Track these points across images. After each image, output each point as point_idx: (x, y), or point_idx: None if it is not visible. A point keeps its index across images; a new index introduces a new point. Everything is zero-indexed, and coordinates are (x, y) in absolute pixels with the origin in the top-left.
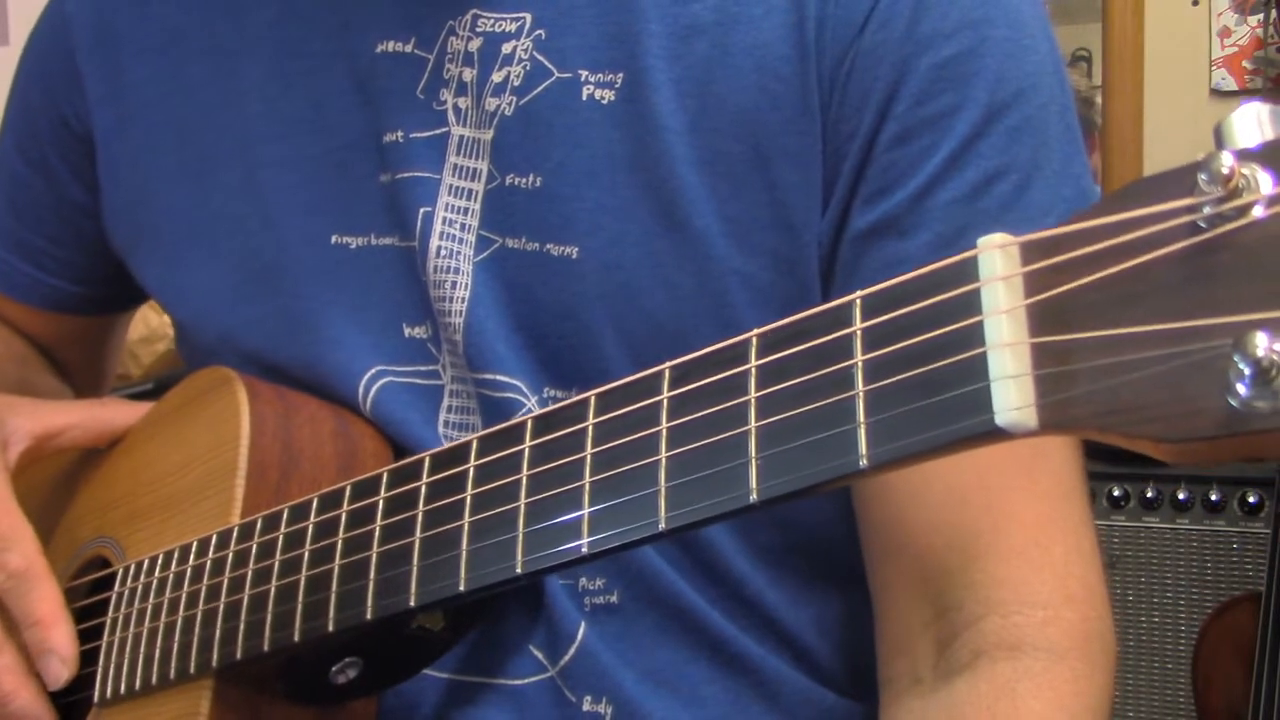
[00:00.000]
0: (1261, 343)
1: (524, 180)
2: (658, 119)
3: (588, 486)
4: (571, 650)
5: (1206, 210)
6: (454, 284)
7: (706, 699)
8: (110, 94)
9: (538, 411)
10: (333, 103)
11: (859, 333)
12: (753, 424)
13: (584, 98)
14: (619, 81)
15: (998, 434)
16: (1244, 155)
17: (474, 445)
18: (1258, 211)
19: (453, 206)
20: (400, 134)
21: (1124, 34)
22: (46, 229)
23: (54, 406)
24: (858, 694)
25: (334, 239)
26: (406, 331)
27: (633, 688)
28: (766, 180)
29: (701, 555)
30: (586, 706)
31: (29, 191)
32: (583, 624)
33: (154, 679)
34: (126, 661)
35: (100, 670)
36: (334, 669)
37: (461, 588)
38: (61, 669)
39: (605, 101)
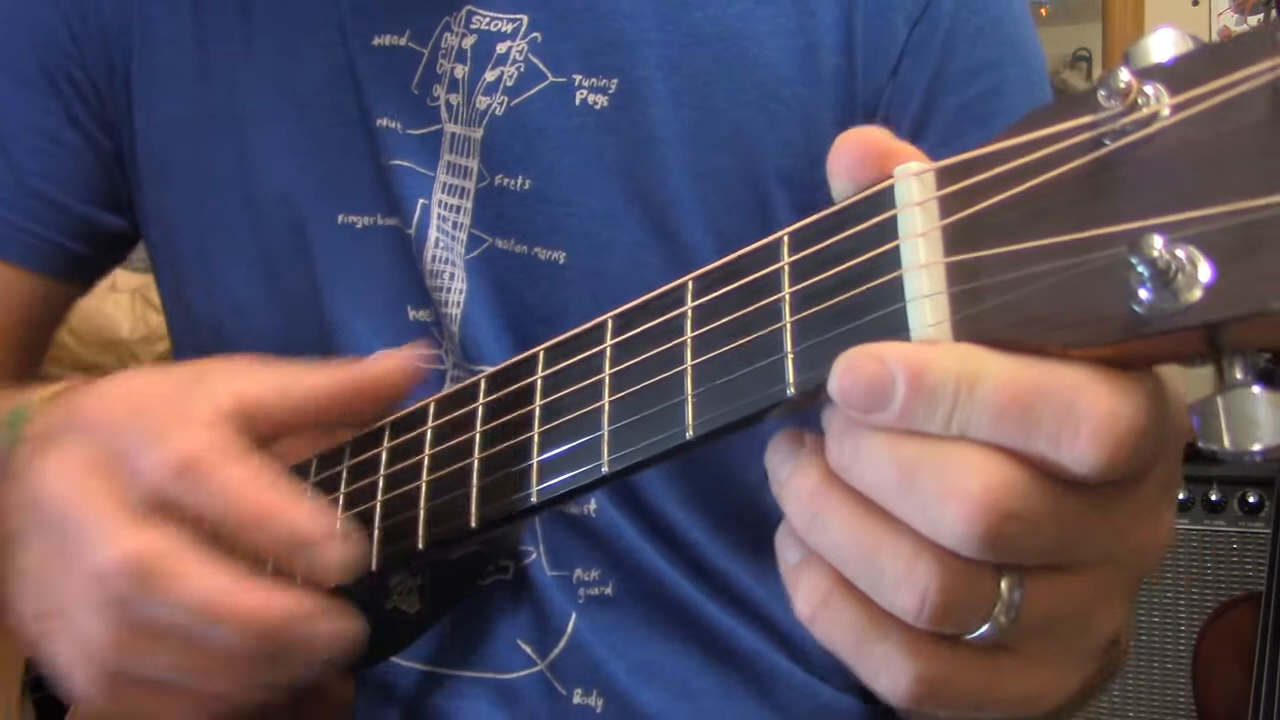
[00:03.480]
0: (1157, 244)
1: (513, 182)
2: (652, 127)
3: (536, 437)
4: (562, 643)
5: (1109, 125)
6: (451, 275)
7: (699, 692)
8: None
9: (490, 369)
10: (335, 81)
11: (786, 267)
12: (688, 363)
13: (577, 102)
14: (613, 87)
15: None
16: (1146, 72)
17: (430, 408)
18: (1157, 125)
19: (446, 204)
20: (398, 124)
21: (1124, 34)
22: (42, 161)
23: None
24: (853, 687)
25: (340, 218)
26: (411, 314)
27: (624, 680)
28: (758, 198)
29: (689, 552)
30: (578, 699)
31: (22, 116)
32: (574, 616)
33: None
34: None
35: None
36: None
37: (420, 547)
38: (331, 553)
39: (598, 107)
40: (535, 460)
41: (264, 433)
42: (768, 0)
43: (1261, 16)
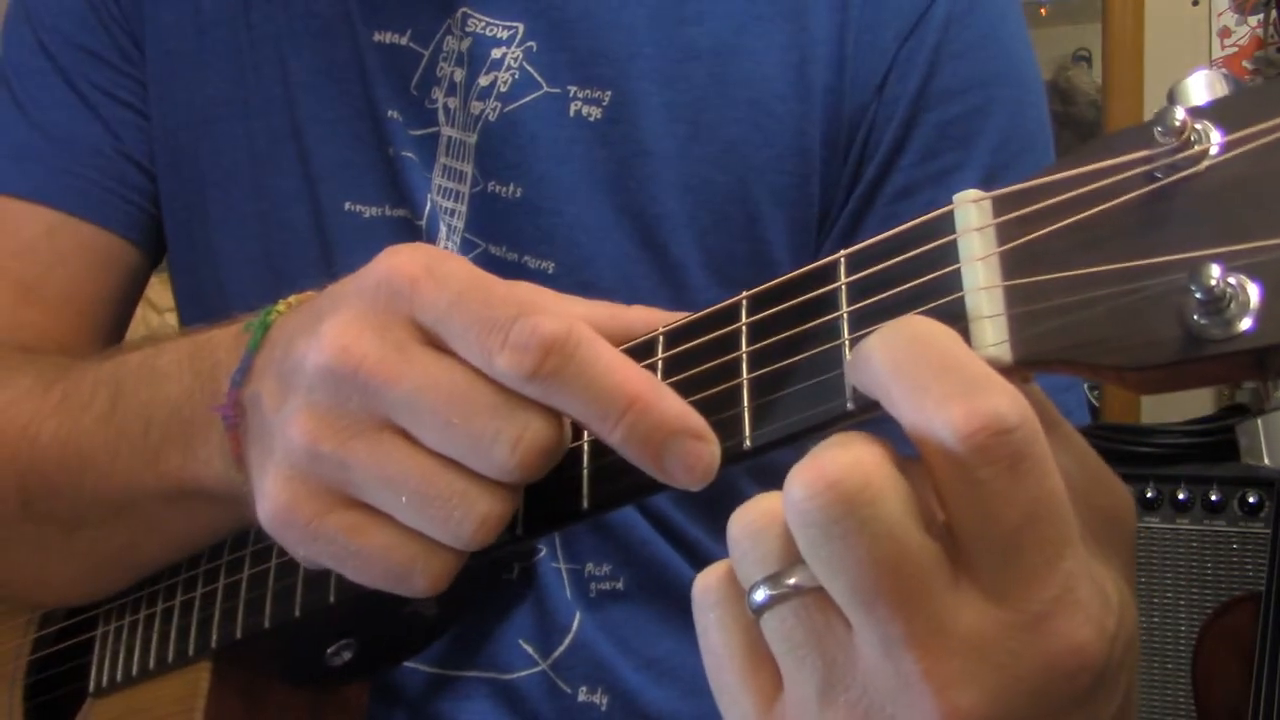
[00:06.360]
0: (1215, 273)
1: (505, 189)
2: (643, 141)
3: (586, 447)
4: (566, 642)
5: (1162, 160)
6: None
7: (707, 690)
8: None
9: None
10: (342, 69)
11: (844, 287)
12: (744, 376)
13: (571, 113)
14: (607, 100)
15: None
16: (1196, 112)
17: None
18: (1209, 161)
19: (442, 206)
20: (402, 120)
21: (1124, 34)
22: (128, 126)
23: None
24: None
25: (346, 205)
26: None
27: (631, 677)
28: (748, 214)
29: (697, 548)
30: (582, 697)
31: (106, 87)
32: (578, 614)
33: (151, 664)
34: (123, 649)
35: (95, 660)
36: (330, 650)
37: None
38: (703, 448)
39: (592, 119)
40: (585, 469)
41: None
42: (763, 16)
43: (1261, 17)
